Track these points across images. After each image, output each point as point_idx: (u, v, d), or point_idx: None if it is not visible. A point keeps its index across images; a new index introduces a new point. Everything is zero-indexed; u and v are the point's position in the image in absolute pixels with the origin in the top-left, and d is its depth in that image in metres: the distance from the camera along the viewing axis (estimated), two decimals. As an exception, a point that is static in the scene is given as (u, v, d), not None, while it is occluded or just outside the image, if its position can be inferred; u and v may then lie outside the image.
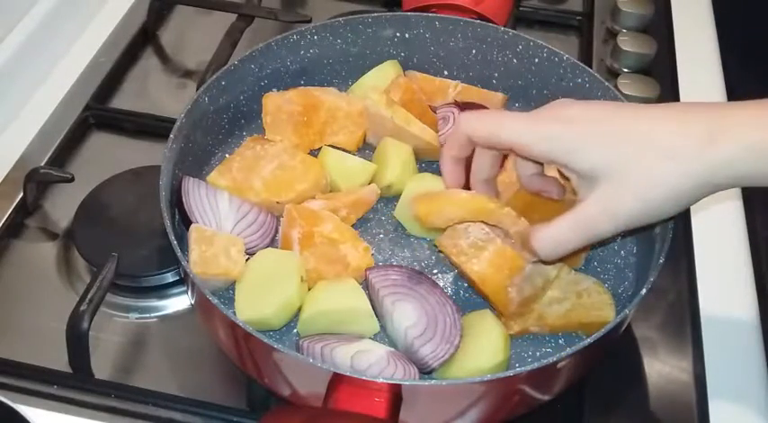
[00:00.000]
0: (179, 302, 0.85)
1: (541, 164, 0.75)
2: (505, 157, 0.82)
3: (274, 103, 0.91)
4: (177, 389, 0.78)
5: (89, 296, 0.77)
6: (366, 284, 0.79)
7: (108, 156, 0.99)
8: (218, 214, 0.81)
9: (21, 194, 0.92)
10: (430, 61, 0.99)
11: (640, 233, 0.84)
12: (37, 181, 0.92)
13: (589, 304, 0.77)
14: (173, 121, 0.83)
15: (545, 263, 0.75)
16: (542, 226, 0.70)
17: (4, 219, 0.90)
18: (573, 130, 0.66)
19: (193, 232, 0.78)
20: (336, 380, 0.65)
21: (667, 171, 0.64)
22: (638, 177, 0.64)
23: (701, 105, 0.65)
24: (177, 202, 0.81)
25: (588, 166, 0.66)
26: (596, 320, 0.76)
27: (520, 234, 0.75)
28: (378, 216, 0.87)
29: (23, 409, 0.68)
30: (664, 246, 0.74)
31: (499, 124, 0.70)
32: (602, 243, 0.84)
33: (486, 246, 0.76)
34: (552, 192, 0.77)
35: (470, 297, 0.80)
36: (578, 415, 0.77)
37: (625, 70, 1.09)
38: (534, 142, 0.68)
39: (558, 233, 0.69)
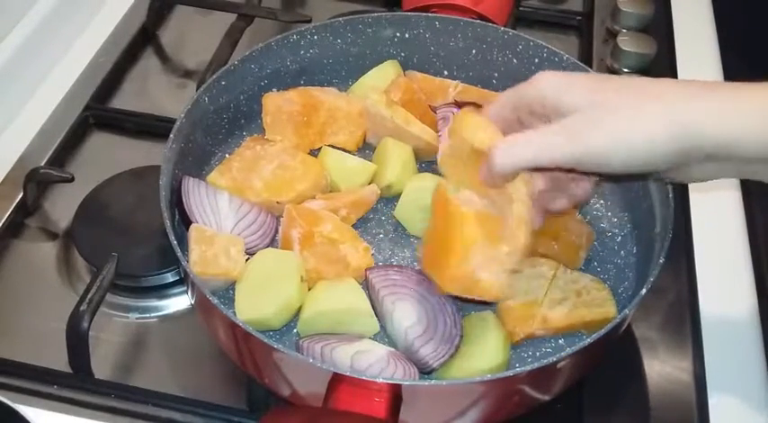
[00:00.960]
0: (179, 302, 0.85)
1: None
2: None
3: (274, 103, 0.91)
4: (177, 389, 0.78)
5: (89, 296, 0.77)
6: (366, 284, 0.79)
7: (108, 156, 0.99)
8: (218, 214, 0.81)
9: (21, 194, 0.92)
10: (430, 61, 0.99)
11: (640, 232, 0.84)
12: (37, 181, 0.92)
13: (590, 301, 0.77)
14: (173, 121, 0.83)
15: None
16: (506, 139, 0.69)
17: (4, 219, 0.90)
18: (571, 77, 0.68)
19: (193, 232, 0.78)
20: (336, 380, 0.65)
21: (651, 110, 0.63)
22: (620, 114, 0.64)
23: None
24: (177, 202, 0.81)
25: (575, 99, 0.66)
26: (599, 317, 0.76)
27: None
28: (378, 216, 0.87)
29: (23, 409, 0.68)
30: (664, 246, 0.74)
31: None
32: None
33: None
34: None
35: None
36: (578, 415, 0.77)
37: (625, 70, 1.09)
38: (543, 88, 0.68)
39: (515, 146, 0.67)
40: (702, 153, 0.63)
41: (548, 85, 0.68)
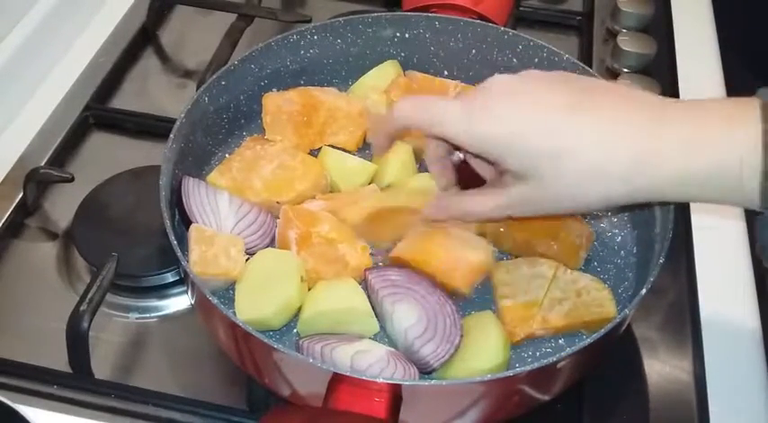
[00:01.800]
0: (179, 302, 0.85)
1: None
2: None
3: (274, 102, 0.91)
4: (177, 389, 0.78)
5: (89, 296, 0.76)
6: (365, 285, 0.79)
7: (108, 156, 0.99)
8: (218, 214, 0.81)
9: (21, 194, 0.92)
10: (430, 61, 0.99)
11: (640, 232, 0.84)
12: (37, 181, 0.92)
13: (590, 301, 0.77)
14: (173, 121, 0.83)
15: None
16: (467, 197, 0.73)
17: (4, 219, 0.90)
18: (503, 134, 0.66)
19: (193, 232, 0.78)
20: (336, 380, 0.65)
21: (591, 189, 0.65)
22: (561, 189, 0.66)
23: (635, 114, 0.64)
24: (177, 202, 0.81)
25: (515, 168, 0.66)
26: (598, 317, 0.76)
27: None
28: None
29: (23, 409, 0.68)
30: (664, 246, 0.74)
31: (438, 119, 0.69)
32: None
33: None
34: (442, 182, 0.78)
35: (470, 297, 0.80)
36: (578, 415, 0.77)
37: (625, 70, 1.09)
38: (469, 141, 0.68)
39: (478, 210, 0.72)
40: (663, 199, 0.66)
41: (485, 140, 0.67)
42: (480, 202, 0.71)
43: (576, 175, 0.64)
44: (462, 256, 0.79)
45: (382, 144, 0.76)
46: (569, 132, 0.64)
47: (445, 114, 0.68)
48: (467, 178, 0.86)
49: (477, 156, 0.71)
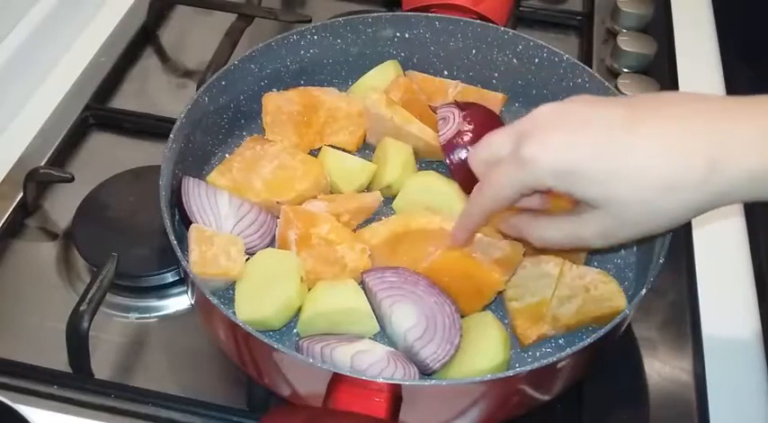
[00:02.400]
0: (179, 302, 0.85)
1: None
2: None
3: (274, 102, 0.91)
4: (177, 389, 0.78)
5: (89, 296, 0.76)
6: (363, 287, 0.78)
7: (108, 156, 0.99)
8: (218, 214, 0.81)
9: (21, 194, 0.92)
10: (430, 61, 0.99)
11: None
12: (37, 181, 0.91)
13: (599, 296, 0.77)
14: (173, 121, 0.83)
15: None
16: (543, 222, 0.70)
17: (4, 219, 0.90)
18: (572, 164, 0.63)
19: (193, 232, 0.78)
20: (336, 380, 0.65)
21: (667, 204, 0.62)
22: (638, 210, 0.63)
23: (700, 120, 0.61)
24: (177, 202, 0.81)
25: (589, 197, 0.64)
26: (609, 311, 0.76)
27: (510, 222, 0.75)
28: (378, 217, 0.87)
29: (23, 409, 0.68)
30: (664, 246, 0.74)
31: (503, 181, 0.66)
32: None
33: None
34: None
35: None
36: (578, 415, 0.77)
37: (625, 70, 1.09)
38: (545, 183, 0.65)
39: (553, 236, 0.70)
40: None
41: (548, 174, 0.63)
42: (557, 229, 0.69)
43: (651, 192, 0.61)
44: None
45: (463, 236, 0.74)
46: (634, 149, 0.61)
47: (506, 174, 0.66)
48: (467, 178, 0.86)
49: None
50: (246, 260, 0.78)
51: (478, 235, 0.79)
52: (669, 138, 0.61)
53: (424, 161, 0.91)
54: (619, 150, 0.62)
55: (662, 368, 0.81)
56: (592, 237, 0.66)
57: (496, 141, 0.68)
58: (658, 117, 0.62)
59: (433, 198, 0.85)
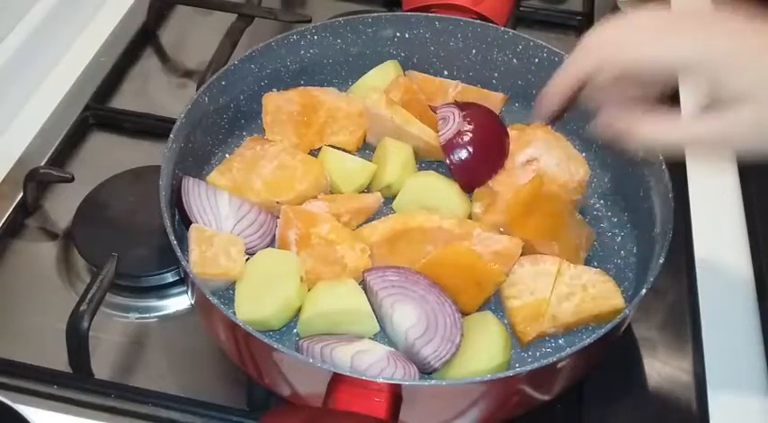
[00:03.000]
0: (179, 302, 0.85)
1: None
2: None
3: (274, 103, 0.91)
4: (177, 389, 0.78)
5: (89, 296, 0.76)
6: (364, 286, 0.78)
7: (108, 156, 0.99)
8: (218, 214, 0.81)
9: (21, 194, 0.92)
10: (430, 61, 0.99)
11: (640, 232, 0.84)
12: (37, 181, 0.91)
13: (597, 294, 0.77)
14: (173, 121, 0.83)
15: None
16: (682, 120, 0.65)
17: (4, 219, 0.90)
18: (729, 51, 0.60)
19: (193, 232, 0.78)
20: (336, 380, 0.65)
21: None
22: None
23: None
24: (177, 202, 0.81)
25: (742, 87, 0.60)
26: (607, 310, 0.76)
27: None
28: (377, 216, 0.87)
29: (23, 409, 0.68)
30: (664, 246, 0.74)
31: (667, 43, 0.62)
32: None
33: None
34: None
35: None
36: (578, 415, 0.77)
37: (625, 70, 1.09)
38: (694, 60, 0.62)
39: (698, 132, 0.63)
40: None
41: (706, 58, 0.60)
42: (704, 126, 0.62)
43: None
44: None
45: (557, 100, 0.68)
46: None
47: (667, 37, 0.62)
48: (467, 178, 0.86)
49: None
50: (246, 260, 0.78)
51: (477, 230, 0.79)
52: None
53: (424, 161, 0.91)
54: (752, 42, 0.59)
55: (662, 368, 0.81)
56: (748, 130, 0.61)
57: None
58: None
59: (433, 198, 0.85)
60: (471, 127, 0.86)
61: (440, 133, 0.89)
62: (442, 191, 0.85)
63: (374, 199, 0.85)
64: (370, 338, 0.75)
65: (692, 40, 0.61)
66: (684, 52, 0.61)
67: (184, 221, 0.81)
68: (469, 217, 0.84)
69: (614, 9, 1.15)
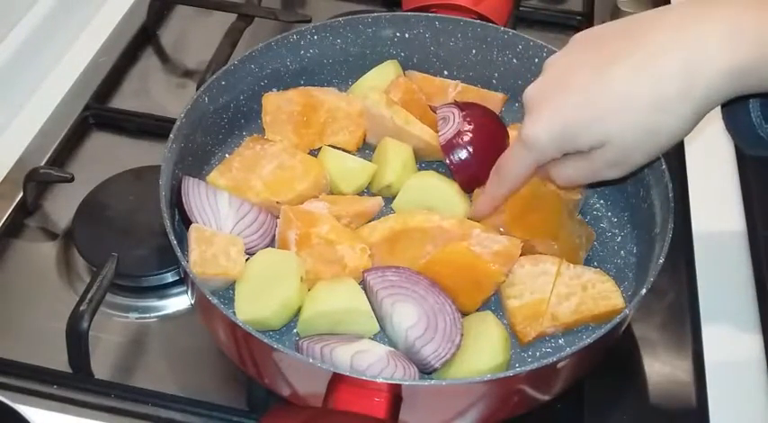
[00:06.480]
0: (179, 302, 0.85)
1: None
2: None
3: (274, 102, 0.91)
4: (177, 389, 0.78)
5: (89, 296, 0.77)
6: (364, 286, 0.78)
7: (108, 156, 0.99)
8: (218, 214, 0.81)
9: (21, 194, 0.92)
10: (430, 61, 0.99)
11: (640, 232, 0.84)
12: (37, 181, 0.92)
13: (596, 294, 0.77)
14: (173, 121, 0.83)
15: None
16: (560, 163, 0.73)
17: (4, 219, 0.90)
18: (563, 126, 0.68)
19: (193, 232, 0.78)
20: (336, 380, 0.65)
21: (660, 121, 0.65)
22: (635, 135, 0.66)
23: (665, 37, 0.64)
24: (177, 202, 0.81)
25: (591, 144, 0.68)
26: (606, 310, 0.76)
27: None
28: (377, 217, 0.87)
29: (23, 409, 0.68)
30: (664, 246, 0.74)
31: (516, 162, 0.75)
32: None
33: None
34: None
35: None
36: (578, 415, 0.77)
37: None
38: (549, 153, 0.71)
39: (571, 175, 0.74)
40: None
41: (549, 145, 0.70)
42: (574, 167, 0.72)
43: (641, 115, 0.65)
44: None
45: (487, 210, 0.81)
46: (611, 85, 0.65)
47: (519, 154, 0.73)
48: (467, 178, 0.86)
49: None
50: (246, 260, 0.78)
51: (476, 231, 0.79)
52: (640, 62, 0.64)
53: (424, 161, 0.91)
54: (598, 93, 0.66)
55: (662, 368, 0.81)
56: (603, 169, 0.70)
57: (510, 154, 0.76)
58: (625, 46, 0.66)
59: (432, 198, 0.85)
60: (471, 127, 0.86)
61: (440, 133, 0.89)
62: (441, 191, 0.85)
63: (375, 203, 0.85)
64: (370, 338, 0.75)
65: (544, 132, 0.69)
66: (543, 142, 0.70)
67: (184, 221, 0.81)
68: (469, 217, 0.84)
69: (614, 9, 1.15)
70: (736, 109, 0.70)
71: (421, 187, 0.86)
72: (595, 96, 0.66)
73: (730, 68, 0.62)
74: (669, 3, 1.18)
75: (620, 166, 0.70)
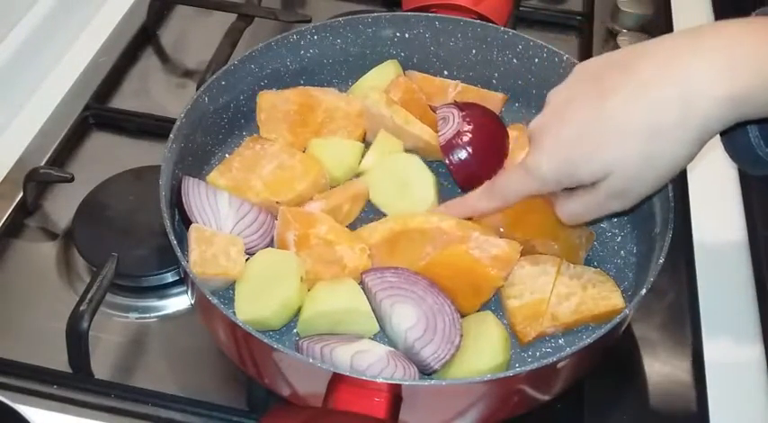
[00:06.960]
0: (179, 302, 0.85)
1: None
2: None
3: (269, 101, 0.90)
4: (177, 389, 0.78)
5: (89, 296, 0.77)
6: (363, 287, 0.78)
7: (108, 156, 0.99)
8: (218, 214, 0.81)
9: (21, 194, 0.92)
10: (430, 61, 0.99)
11: (640, 232, 0.84)
12: (37, 181, 0.92)
13: (596, 294, 0.77)
14: (173, 121, 0.83)
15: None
16: (563, 199, 0.74)
17: (4, 219, 0.90)
18: (564, 158, 0.69)
19: (193, 232, 0.78)
20: (336, 380, 0.65)
21: (660, 149, 0.65)
22: (637, 164, 0.66)
23: (661, 62, 0.65)
24: (177, 202, 0.81)
25: (592, 176, 0.69)
26: (606, 310, 0.76)
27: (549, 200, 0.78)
28: (377, 217, 0.87)
29: (23, 409, 0.68)
30: (664, 246, 0.74)
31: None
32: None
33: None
34: None
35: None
36: (578, 415, 0.77)
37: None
38: (550, 186, 0.72)
39: (576, 210, 0.74)
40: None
41: (550, 177, 0.71)
42: (579, 203, 0.73)
43: (641, 145, 0.65)
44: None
45: (458, 216, 0.82)
46: (609, 115, 0.65)
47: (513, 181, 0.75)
48: (467, 178, 0.86)
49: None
50: (246, 260, 0.78)
51: (475, 233, 0.79)
52: (635, 91, 0.65)
53: (424, 161, 0.91)
54: (596, 126, 0.66)
55: (662, 368, 0.81)
56: (608, 201, 0.70)
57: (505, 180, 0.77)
58: (621, 77, 0.66)
59: (404, 176, 0.86)
60: (471, 127, 0.86)
61: (439, 133, 0.89)
62: (411, 169, 0.86)
63: (360, 185, 0.86)
64: (369, 338, 0.75)
65: (547, 161, 0.70)
66: (544, 171, 0.70)
67: (184, 221, 0.81)
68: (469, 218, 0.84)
69: (614, 9, 1.15)
70: (734, 132, 0.70)
71: (391, 166, 0.86)
72: (594, 129, 0.66)
73: (728, 97, 0.62)
74: (670, 7, 1.19)
75: (625, 197, 0.70)
